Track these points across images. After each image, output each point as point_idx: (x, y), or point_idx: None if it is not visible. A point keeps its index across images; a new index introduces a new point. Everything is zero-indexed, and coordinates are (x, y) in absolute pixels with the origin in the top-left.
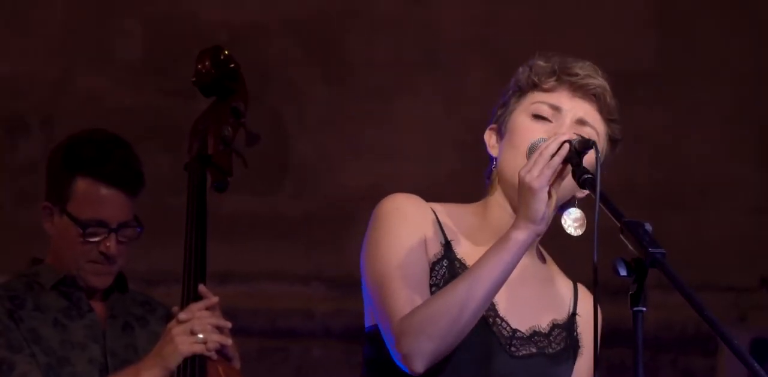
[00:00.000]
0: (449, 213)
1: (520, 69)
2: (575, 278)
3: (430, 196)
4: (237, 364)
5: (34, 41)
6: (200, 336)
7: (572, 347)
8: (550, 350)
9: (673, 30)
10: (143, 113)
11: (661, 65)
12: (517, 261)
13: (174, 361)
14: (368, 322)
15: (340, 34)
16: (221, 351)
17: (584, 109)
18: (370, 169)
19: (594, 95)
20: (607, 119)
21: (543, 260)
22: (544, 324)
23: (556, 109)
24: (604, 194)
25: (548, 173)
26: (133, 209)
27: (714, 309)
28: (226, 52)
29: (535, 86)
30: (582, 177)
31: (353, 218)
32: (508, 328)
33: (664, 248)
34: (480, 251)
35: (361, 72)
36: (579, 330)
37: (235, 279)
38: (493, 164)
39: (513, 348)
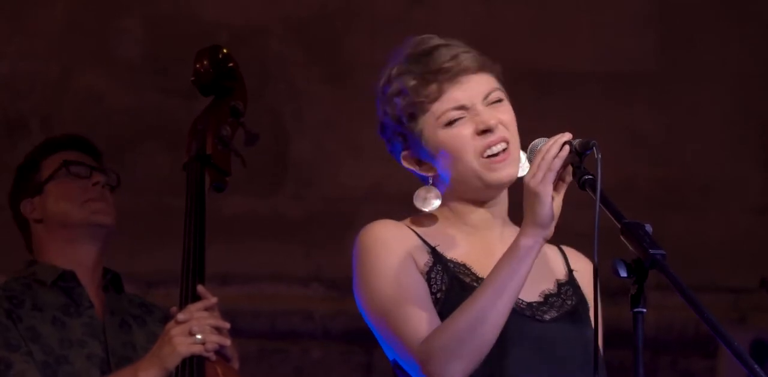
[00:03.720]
0: (424, 224)
1: (396, 100)
2: None
3: None
4: (236, 365)
5: (34, 41)
6: (199, 336)
7: (583, 301)
8: (566, 306)
9: (673, 30)
10: (143, 113)
11: (661, 65)
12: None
13: (172, 362)
14: (391, 356)
15: (340, 34)
16: (220, 351)
17: (477, 85)
18: (370, 169)
19: (471, 67)
20: (489, 70)
21: (514, 228)
22: (550, 286)
23: (461, 107)
24: (605, 195)
25: (551, 176)
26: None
27: (714, 310)
28: (225, 50)
29: (422, 104)
30: (582, 178)
31: (353, 219)
32: (524, 303)
33: (664, 249)
34: (467, 247)
35: (361, 72)
36: (581, 285)
37: (234, 280)
38: (428, 181)
39: (538, 316)
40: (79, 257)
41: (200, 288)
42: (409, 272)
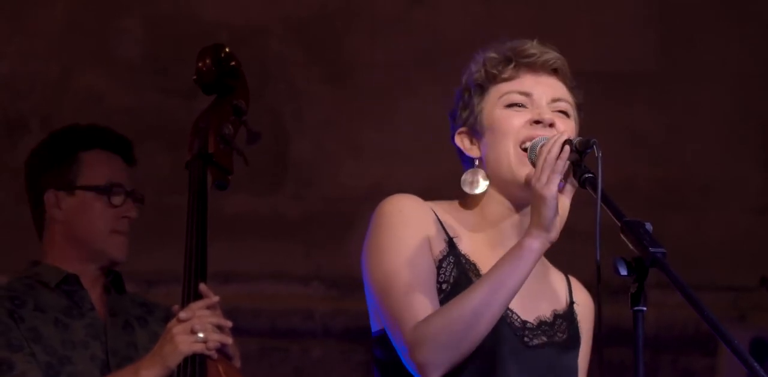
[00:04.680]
0: (447, 211)
1: (472, 67)
2: (578, 277)
3: (429, 196)
4: (237, 363)
5: (34, 41)
6: (200, 335)
7: (575, 335)
8: (557, 338)
9: (673, 30)
10: (143, 113)
11: (661, 65)
12: (531, 269)
13: (174, 360)
14: (375, 326)
15: (340, 34)
16: (222, 350)
17: (551, 86)
18: (370, 169)
19: (554, 69)
20: (570, 87)
21: None
22: (547, 314)
23: (526, 95)
24: (606, 193)
25: (556, 178)
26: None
27: (714, 309)
28: (227, 49)
29: (494, 79)
30: (583, 176)
31: (353, 218)
32: (518, 320)
33: (665, 248)
34: (482, 246)
35: (361, 72)
36: (578, 319)
37: (234, 279)
38: (474, 165)
39: (526, 339)
40: (86, 269)
41: (202, 287)
42: (423, 253)
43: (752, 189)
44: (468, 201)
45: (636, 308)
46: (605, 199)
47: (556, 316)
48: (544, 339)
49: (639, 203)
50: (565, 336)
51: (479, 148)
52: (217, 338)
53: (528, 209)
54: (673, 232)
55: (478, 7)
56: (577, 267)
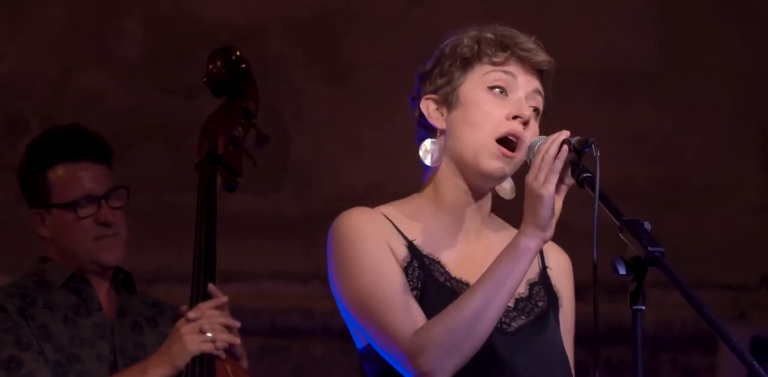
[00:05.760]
0: (401, 212)
1: (465, 40)
2: (575, 276)
3: None
4: (245, 363)
5: (34, 41)
6: (209, 334)
7: (553, 301)
8: (537, 309)
9: (673, 30)
10: (143, 113)
11: (661, 65)
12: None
13: (182, 360)
14: (360, 343)
15: (340, 34)
16: (229, 350)
17: (535, 81)
18: (370, 169)
19: (541, 70)
20: (546, 82)
21: (497, 223)
22: (522, 288)
23: (511, 75)
24: (603, 192)
25: (553, 178)
26: (111, 176)
27: (713, 308)
28: (238, 52)
29: (483, 59)
30: (581, 176)
31: None
32: None
33: (664, 247)
34: (442, 235)
35: (361, 72)
36: (554, 282)
37: (235, 278)
38: (435, 135)
39: (504, 325)
40: (88, 272)
41: (211, 287)
42: (390, 262)
43: (752, 189)
44: (421, 192)
45: (635, 307)
46: (604, 198)
47: (531, 285)
48: (523, 318)
49: (639, 203)
50: (544, 304)
51: (445, 120)
52: (225, 338)
53: (488, 196)
54: (672, 231)
55: (478, 7)
56: (574, 266)
